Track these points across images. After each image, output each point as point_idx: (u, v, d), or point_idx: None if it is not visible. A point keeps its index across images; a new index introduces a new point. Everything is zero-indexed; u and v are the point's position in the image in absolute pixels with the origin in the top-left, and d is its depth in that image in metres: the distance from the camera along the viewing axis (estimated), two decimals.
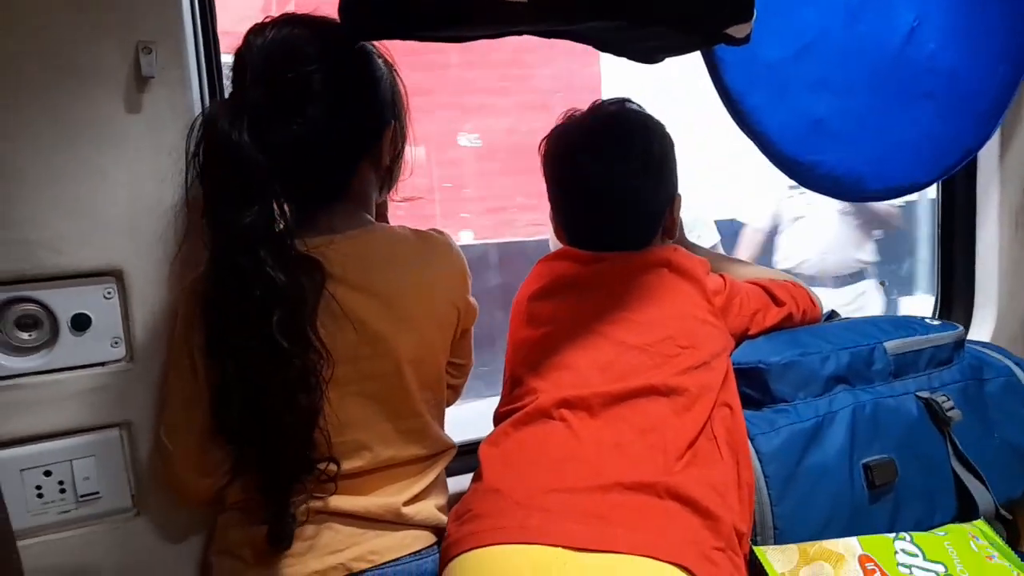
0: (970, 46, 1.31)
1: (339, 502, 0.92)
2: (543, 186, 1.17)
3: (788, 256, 2.87)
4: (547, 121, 1.18)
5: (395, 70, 0.99)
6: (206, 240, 0.86)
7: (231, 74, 0.90)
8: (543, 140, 1.16)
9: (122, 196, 0.99)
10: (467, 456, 1.13)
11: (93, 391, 0.99)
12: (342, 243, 0.91)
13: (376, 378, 0.93)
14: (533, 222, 5.39)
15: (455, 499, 1.01)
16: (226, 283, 0.83)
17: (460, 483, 1.13)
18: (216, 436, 0.91)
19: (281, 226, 0.85)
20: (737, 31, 0.98)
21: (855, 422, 1.02)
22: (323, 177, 0.93)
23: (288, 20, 0.90)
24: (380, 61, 0.96)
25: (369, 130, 0.95)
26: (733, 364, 1.04)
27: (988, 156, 1.60)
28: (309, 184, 0.90)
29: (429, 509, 0.98)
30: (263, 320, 0.82)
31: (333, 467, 0.89)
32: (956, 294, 1.69)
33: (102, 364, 1.00)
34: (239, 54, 0.89)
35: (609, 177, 1.08)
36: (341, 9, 0.84)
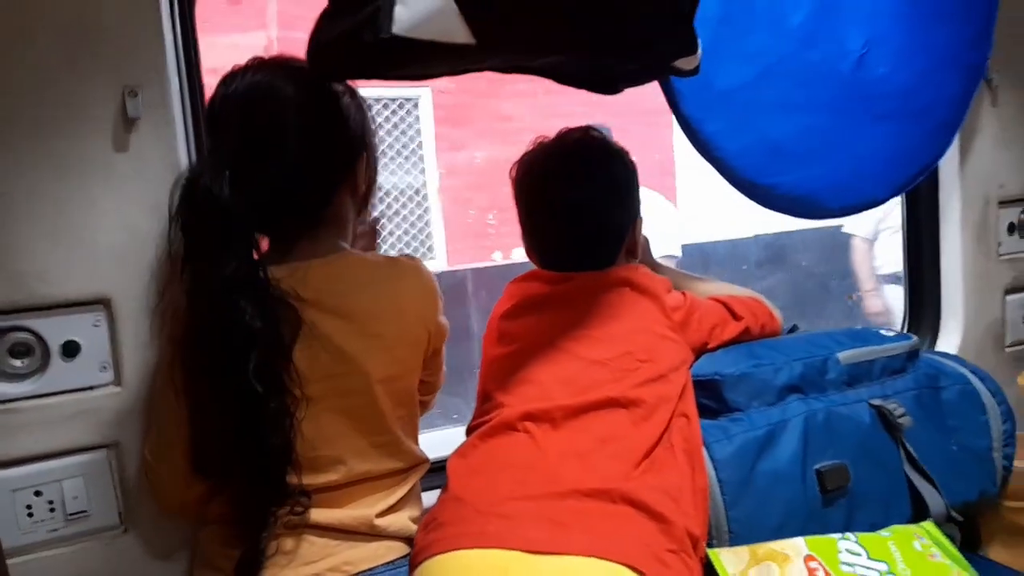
0: (920, 66, 1.37)
1: (315, 515, 0.96)
2: None
3: (892, 261, 2.90)
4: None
5: (362, 100, 1.05)
6: (186, 289, 0.92)
7: (205, 123, 0.96)
8: (513, 166, 1.22)
9: (111, 229, 1.05)
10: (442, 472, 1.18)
11: (82, 414, 1.04)
12: (319, 268, 0.97)
13: (349, 395, 0.98)
14: None
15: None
16: (205, 331, 0.89)
17: (435, 498, 1.18)
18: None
19: (260, 272, 0.90)
20: (684, 64, 1.05)
21: (808, 429, 1.07)
22: (301, 211, 0.99)
23: (256, 67, 0.96)
24: (346, 96, 1.02)
25: (342, 163, 1.01)
26: (692, 376, 1.09)
27: (949, 172, 1.66)
28: (288, 218, 0.97)
29: (402, 521, 1.03)
30: (240, 366, 0.88)
31: (306, 499, 0.94)
32: (924, 307, 1.74)
33: (91, 388, 1.05)
34: (211, 105, 0.95)
35: (576, 199, 1.15)
36: (309, 55, 0.90)
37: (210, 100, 0.96)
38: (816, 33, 1.27)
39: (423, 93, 5.78)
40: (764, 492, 1.02)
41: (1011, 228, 1.73)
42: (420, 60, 0.86)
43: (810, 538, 0.95)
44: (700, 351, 1.15)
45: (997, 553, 1.31)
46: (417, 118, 5.78)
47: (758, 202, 1.31)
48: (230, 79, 0.96)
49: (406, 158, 5.71)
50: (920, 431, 1.15)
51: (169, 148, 1.08)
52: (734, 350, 1.15)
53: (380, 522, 1.00)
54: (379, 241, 1.23)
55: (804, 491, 1.04)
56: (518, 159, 1.21)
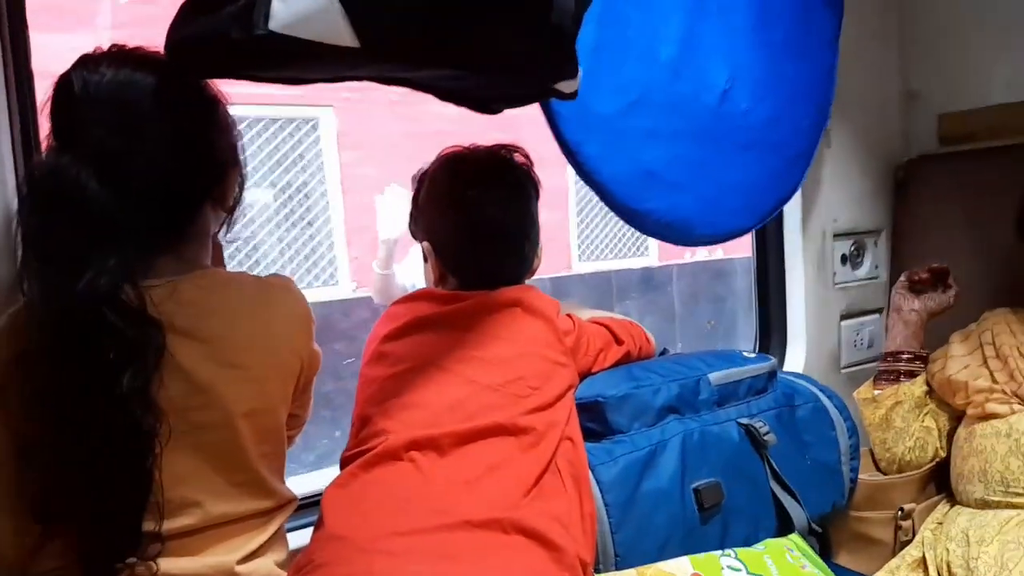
0: (777, 100, 1.47)
1: (166, 565, 0.85)
2: None
3: None
4: None
5: (230, 113, 0.97)
6: (38, 299, 0.79)
7: (55, 107, 0.84)
8: (429, 174, 1.19)
9: None
10: (312, 508, 1.09)
11: None
12: (188, 286, 0.88)
13: (206, 430, 0.89)
14: None
15: (296, 555, 0.97)
16: (68, 345, 0.78)
17: (303, 537, 1.08)
18: (17, 500, 0.82)
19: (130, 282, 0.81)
20: (565, 87, 1.05)
21: (685, 449, 1.09)
22: (166, 222, 0.90)
23: (124, 57, 0.86)
24: (221, 106, 0.95)
25: (214, 172, 0.93)
26: (576, 400, 1.08)
27: (792, 207, 1.79)
28: (151, 230, 0.86)
29: (267, 566, 0.93)
30: (113, 383, 0.78)
31: (158, 545, 0.84)
32: (772, 331, 1.86)
33: None
34: (67, 89, 0.83)
35: (508, 221, 1.15)
36: (169, 50, 0.81)
37: (62, 83, 0.84)
38: (684, 66, 1.32)
39: None
40: (647, 513, 1.03)
41: (843, 259, 1.89)
42: (296, 62, 0.81)
43: (694, 557, 0.97)
44: (585, 375, 1.14)
45: (845, 559, 1.41)
46: None
47: (634, 226, 1.34)
48: (92, 65, 0.84)
49: None
50: (781, 447, 1.21)
51: None
52: (613, 373, 1.17)
53: (241, 569, 0.90)
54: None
55: (683, 509, 1.06)
56: (436, 167, 1.18)
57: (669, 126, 1.33)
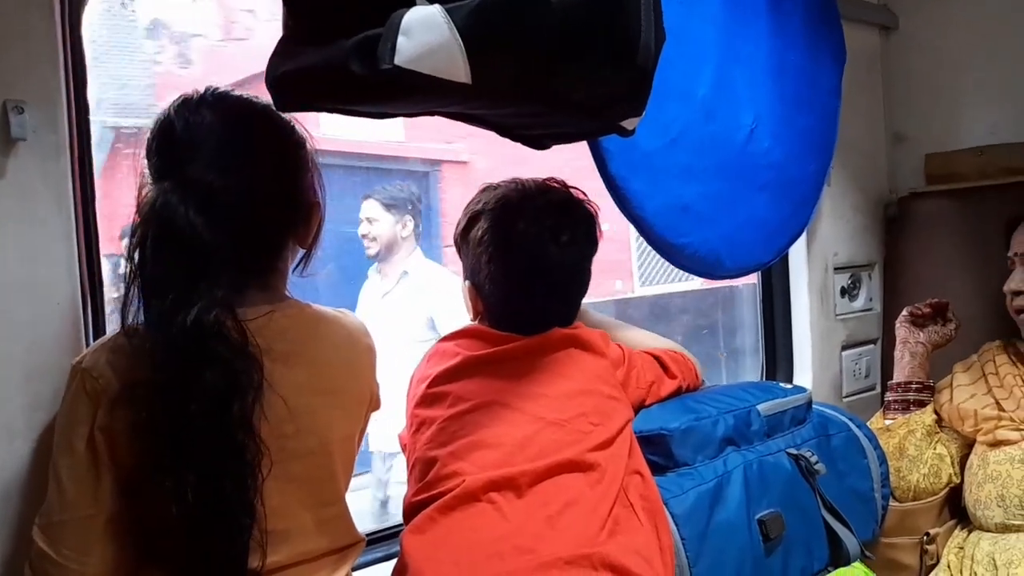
0: (792, 144, 1.54)
1: None
2: None
3: None
4: None
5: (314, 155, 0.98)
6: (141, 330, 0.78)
7: (157, 145, 0.84)
8: (480, 214, 1.12)
9: None
10: None
11: None
12: (279, 316, 0.88)
13: (301, 458, 0.87)
14: None
15: None
16: (178, 376, 0.77)
17: None
18: (115, 537, 0.80)
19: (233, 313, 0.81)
20: (629, 123, 1.07)
21: (747, 480, 1.11)
22: (257, 256, 0.90)
23: (221, 99, 0.87)
24: (309, 145, 0.95)
25: (300, 211, 0.94)
26: (636, 432, 1.09)
27: (798, 241, 1.86)
28: (244, 263, 0.86)
29: None
30: (221, 413, 0.77)
31: None
32: (778, 362, 1.91)
33: None
34: (169, 129, 0.84)
35: (567, 261, 1.11)
36: (272, 79, 0.80)
37: (165, 124, 0.85)
38: (716, 106, 1.37)
39: None
40: (720, 545, 1.03)
41: (842, 291, 1.97)
42: (402, 96, 0.80)
43: None
44: (638, 407, 1.15)
45: None
46: None
47: (669, 260, 1.37)
48: (193, 108, 0.85)
49: None
50: (823, 477, 1.24)
51: (58, 179, 0.91)
52: (667, 405, 1.17)
53: None
54: None
55: (751, 541, 1.07)
56: (480, 211, 1.11)
57: (702, 163, 1.37)
